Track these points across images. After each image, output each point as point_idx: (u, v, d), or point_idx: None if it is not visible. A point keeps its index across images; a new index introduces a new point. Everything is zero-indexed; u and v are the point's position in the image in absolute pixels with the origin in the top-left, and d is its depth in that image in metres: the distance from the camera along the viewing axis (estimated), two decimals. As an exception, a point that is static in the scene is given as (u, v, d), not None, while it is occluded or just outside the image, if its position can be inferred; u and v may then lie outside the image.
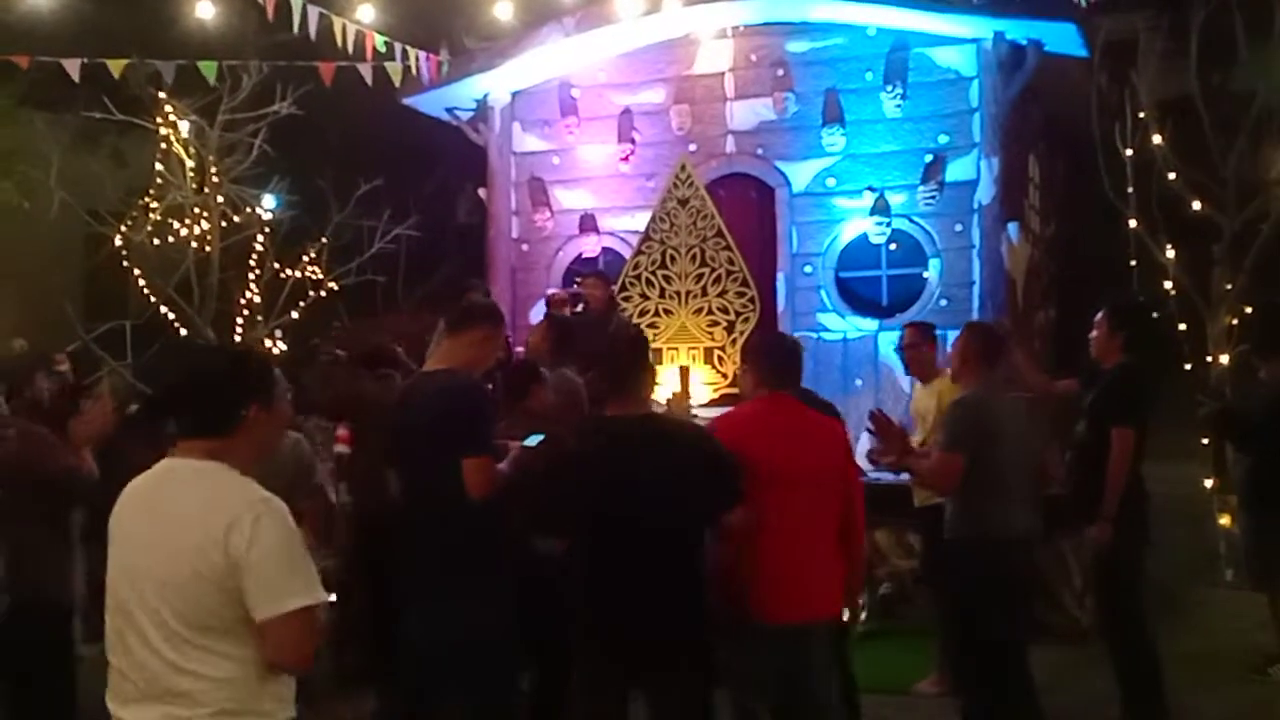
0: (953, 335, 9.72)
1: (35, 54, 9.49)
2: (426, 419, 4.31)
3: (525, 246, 11.69)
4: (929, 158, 10.36)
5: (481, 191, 11.94)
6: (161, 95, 10.68)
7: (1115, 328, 5.76)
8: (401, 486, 4.58)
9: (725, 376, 10.21)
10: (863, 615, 7.49)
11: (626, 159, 11.26)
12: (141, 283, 11.47)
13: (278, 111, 11.23)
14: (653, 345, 10.45)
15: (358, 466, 6.46)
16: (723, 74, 11.08)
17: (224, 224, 11.47)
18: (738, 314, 10.30)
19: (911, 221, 10.44)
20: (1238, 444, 7.24)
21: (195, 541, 2.58)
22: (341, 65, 9.64)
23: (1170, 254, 10.18)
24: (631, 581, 3.89)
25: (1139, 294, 9.99)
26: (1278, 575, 6.59)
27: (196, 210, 11.37)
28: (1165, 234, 10.18)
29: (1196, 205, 10.17)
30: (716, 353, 10.35)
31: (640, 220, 10.89)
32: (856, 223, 10.60)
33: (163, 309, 11.43)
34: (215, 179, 11.30)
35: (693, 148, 11.02)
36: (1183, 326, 9.83)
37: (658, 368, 10.41)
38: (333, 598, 5.31)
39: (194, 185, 11.36)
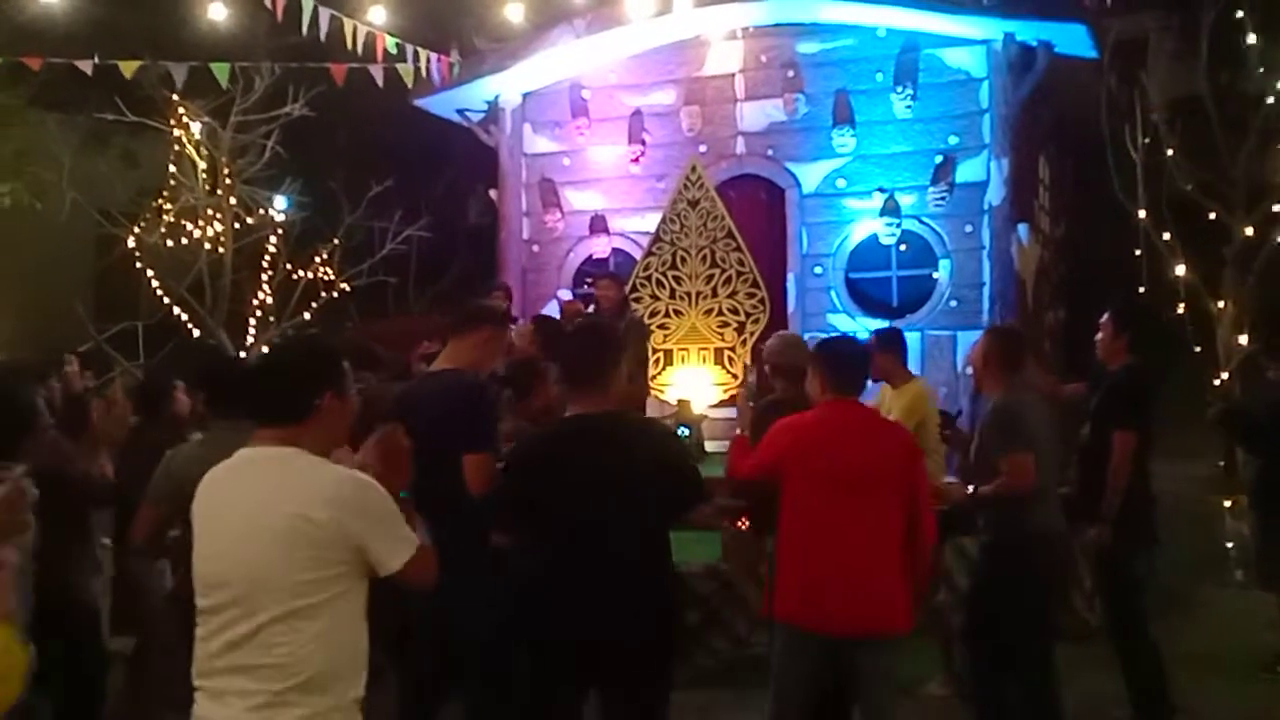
0: (963, 336, 9.91)
1: (47, 55, 9.53)
2: (429, 417, 4.30)
3: (536, 247, 11.73)
4: (939, 159, 10.37)
5: (492, 193, 11.98)
6: (174, 97, 10.72)
7: (1120, 329, 5.76)
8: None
9: (735, 377, 10.24)
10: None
11: (637, 160, 11.30)
12: (154, 283, 11.52)
13: (290, 113, 11.27)
14: (663, 346, 10.52)
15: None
16: (733, 75, 11.10)
17: (236, 225, 11.51)
18: (748, 315, 10.33)
19: (921, 222, 10.46)
20: (1246, 444, 7.24)
21: (285, 521, 2.69)
22: (353, 67, 9.67)
23: (1180, 254, 10.17)
24: (589, 586, 3.70)
25: (1148, 295, 10.00)
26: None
27: (209, 211, 11.42)
28: (1175, 234, 10.17)
29: (1206, 206, 10.16)
30: (727, 353, 10.38)
31: (650, 221, 10.92)
32: (867, 224, 10.62)
33: (175, 310, 11.47)
34: (228, 180, 11.34)
35: (703, 149, 11.04)
36: (1191, 327, 9.82)
37: (670, 368, 10.55)
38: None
39: (206, 186, 11.41)
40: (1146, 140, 10.19)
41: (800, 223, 10.85)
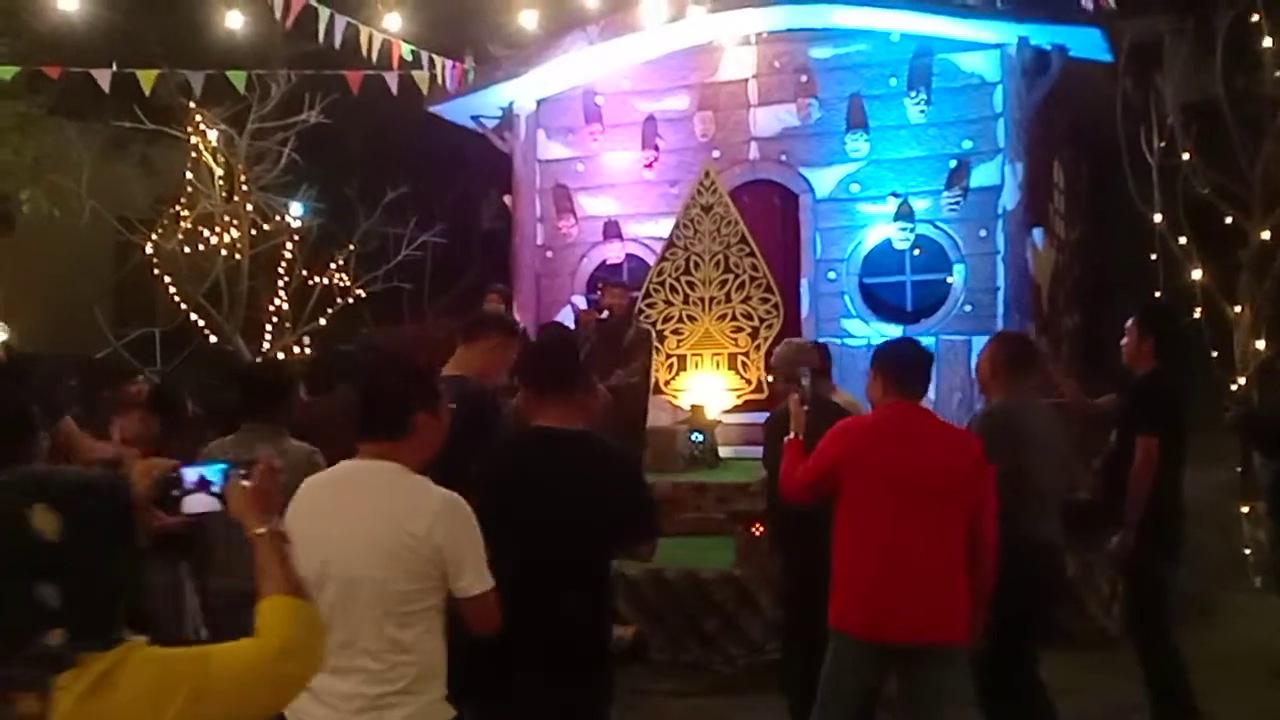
0: (977, 341, 9.88)
1: (66, 64, 9.58)
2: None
3: (549, 253, 11.75)
4: (953, 163, 10.37)
5: (506, 198, 12.02)
6: (191, 104, 10.77)
7: (1144, 332, 5.71)
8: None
9: (749, 382, 10.25)
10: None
11: (650, 165, 11.32)
12: (171, 290, 11.57)
13: (306, 120, 11.31)
14: (676, 351, 10.53)
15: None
16: (746, 80, 11.12)
17: (253, 232, 11.55)
18: (761, 320, 10.34)
19: (935, 227, 10.45)
20: (1264, 450, 7.20)
21: (387, 533, 2.88)
22: (368, 74, 9.71)
23: (1196, 259, 10.12)
24: (521, 606, 3.29)
25: (1165, 298, 9.95)
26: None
27: (226, 218, 11.47)
28: (1191, 239, 10.13)
29: (1222, 210, 10.11)
30: (740, 359, 10.39)
31: (664, 227, 10.94)
32: (880, 228, 10.61)
33: (192, 316, 11.53)
34: (244, 187, 11.38)
35: (716, 154, 11.06)
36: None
37: (683, 374, 10.56)
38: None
39: (223, 193, 11.46)
40: (1162, 144, 10.15)
41: (814, 228, 10.85)
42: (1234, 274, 10.14)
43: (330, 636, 2.74)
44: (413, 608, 2.88)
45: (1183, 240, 10.12)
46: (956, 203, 10.31)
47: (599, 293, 9.73)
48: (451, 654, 3.05)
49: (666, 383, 10.48)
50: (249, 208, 11.46)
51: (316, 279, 11.98)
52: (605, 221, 11.53)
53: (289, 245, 11.95)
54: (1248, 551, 8.88)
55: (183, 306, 11.56)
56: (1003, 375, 5.13)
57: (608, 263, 11.55)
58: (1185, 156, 9.94)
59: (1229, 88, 10.12)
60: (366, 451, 3.04)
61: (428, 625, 2.92)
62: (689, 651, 7.13)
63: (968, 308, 10.30)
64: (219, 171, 11.44)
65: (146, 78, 9.38)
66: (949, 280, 10.45)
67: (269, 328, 11.81)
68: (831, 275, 10.79)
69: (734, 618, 7.07)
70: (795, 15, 10.75)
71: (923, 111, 10.44)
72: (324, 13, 9.02)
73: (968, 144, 10.37)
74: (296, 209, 12.12)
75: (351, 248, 12.15)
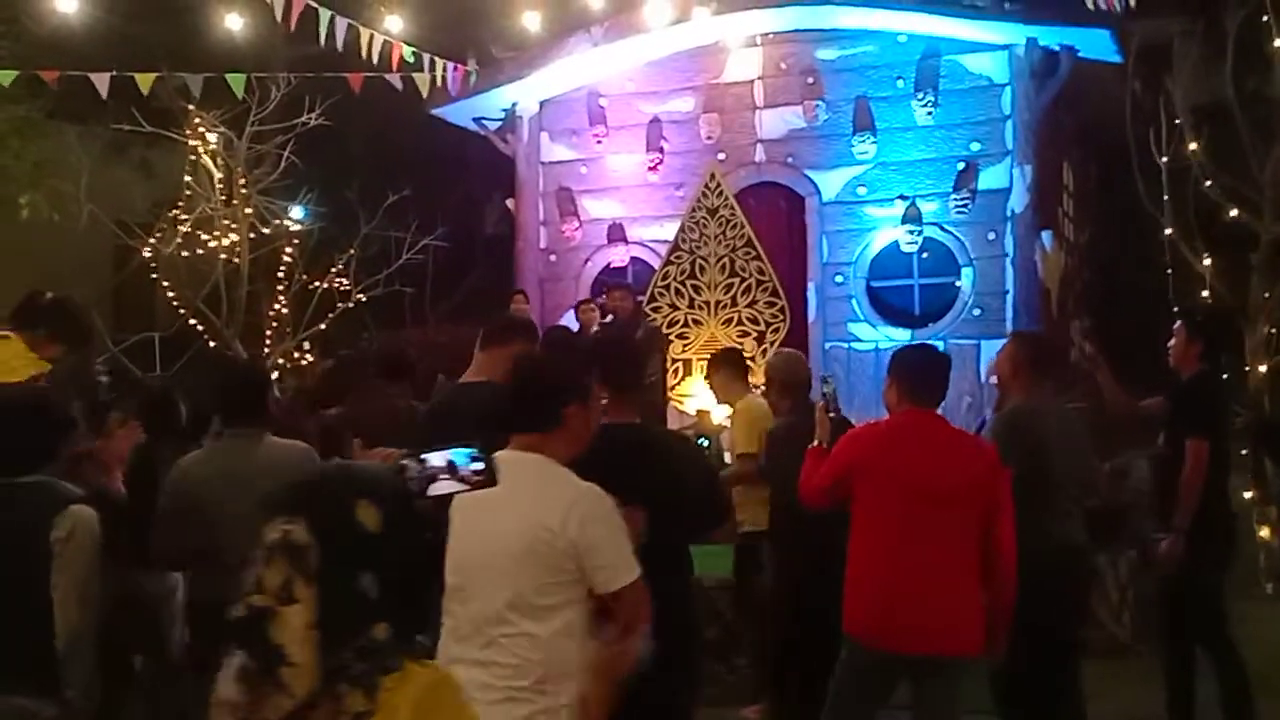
0: (986, 345, 9.78)
1: (65, 67, 9.52)
2: (464, 430, 4.22)
3: (553, 257, 11.66)
4: (961, 165, 10.28)
5: (509, 202, 11.93)
6: (190, 107, 10.70)
7: (1192, 336, 5.65)
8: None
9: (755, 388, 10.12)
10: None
11: (655, 168, 11.24)
12: (170, 294, 11.50)
13: (306, 123, 11.24)
14: (682, 355, 10.43)
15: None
16: (752, 82, 11.03)
17: (252, 235, 11.48)
18: (767, 324, 10.25)
19: (943, 230, 10.36)
20: (1276, 455, 7.11)
21: (526, 525, 2.89)
22: (369, 76, 9.64)
23: (1207, 262, 10.04)
24: None
25: (1174, 302, 9.85)
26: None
27: (225, 222, 11.39)
28: (1202, 241, 10.04)
29: (1233, 212, 10.02)
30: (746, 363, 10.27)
31: (669, 230, 10.86)
32: (888, 231, 10.52)
33: (191, 320, 11.46)
34: (244, 190, 11.31)
35: (722, 156, 10.97)
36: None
37: (689, 378, 10.46)
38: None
39: (222, 197, 11.38)
40: (1172, 146, 10.06)
41: (820, 231, 10.76)
42: (1245, 276, 10.05)
43: (470, 625, 2.90)
44: (549, 602, 2.87)
45: (1193, 242, 10.04)
46: (965, 205, 10.23)
47: (603, 297, 9.66)
48: None
49: (672, 388, 10.38)
50: (248, 211, 11.39)
51: (317, 283, 11.90)
52: (609, 225, 11.44)
53: (289, 249, 11.88)
54: (1260, 558, 8.78)
55: (182, 311, 11.50)
56: (1024, 376, 5.06)
57: (612, 266, 11.46)
58: (1193, 149, 9.84)
59: (1239, 90, 10.04)
60: (517, 443, 3.04)
61: (564, 623, 2.88)
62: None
63: (976, 311, 10.21)
64: (218, 175, 11.37)
65: (145, 80, 9.34)
66: (957, 284, 10.36)
67: (269, 332, 11.74)
68: (838, 279, 10.70)
69: (736, 625, 6.97)
70: (801, 16, 10.66)
71: (930, 113, 10.36)
72: (325, 14, 8.96)
73: (976, 146, 10.28)
74: (297, 212, 12.06)
75: (352, 251, 12.07)
